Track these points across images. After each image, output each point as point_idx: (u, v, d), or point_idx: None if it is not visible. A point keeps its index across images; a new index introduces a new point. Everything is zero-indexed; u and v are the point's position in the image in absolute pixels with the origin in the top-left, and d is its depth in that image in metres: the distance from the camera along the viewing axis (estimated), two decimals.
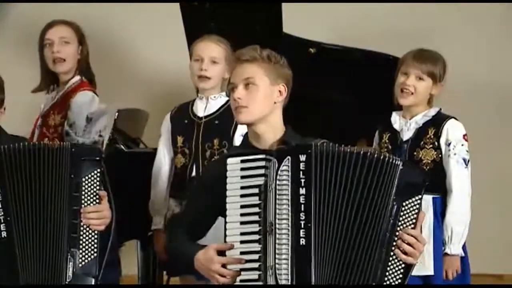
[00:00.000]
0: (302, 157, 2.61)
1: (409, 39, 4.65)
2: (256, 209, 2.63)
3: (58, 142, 2.93)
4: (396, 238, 2.62)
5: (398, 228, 2.62)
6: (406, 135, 3.48)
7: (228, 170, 2.67)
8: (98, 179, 2.84)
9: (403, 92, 3.46)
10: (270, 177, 2.62)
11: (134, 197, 3.70)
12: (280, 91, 2.87)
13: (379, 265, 2.60)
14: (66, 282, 2.77)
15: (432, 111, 3.49)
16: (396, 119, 3.53)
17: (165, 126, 3.67)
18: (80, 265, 2.80)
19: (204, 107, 3.60)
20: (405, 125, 3.49)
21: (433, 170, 3.39)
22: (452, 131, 3.43)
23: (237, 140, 3.48)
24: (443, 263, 3.40)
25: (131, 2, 5.17)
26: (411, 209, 2.64)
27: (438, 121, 3.45)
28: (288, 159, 2.61)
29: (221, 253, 2.68)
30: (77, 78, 3.75)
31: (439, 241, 3.38)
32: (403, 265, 2.63)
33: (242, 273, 2.62)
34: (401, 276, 2.63)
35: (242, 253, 2.63)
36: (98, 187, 2.84)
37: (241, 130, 3.49)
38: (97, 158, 2.86)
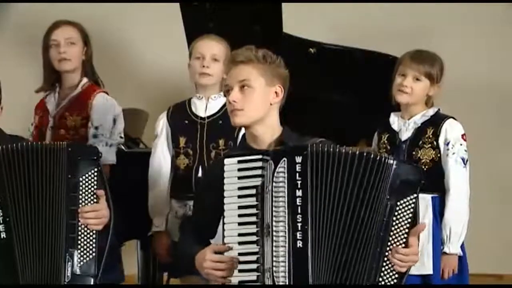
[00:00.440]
0: (298, 159, 2.60)
1: (409, 39, 4.66)
2: (254, 210, 2.63)
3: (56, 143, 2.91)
4: (391, 239, 2.61)
5: (393, 228, 2.62)
6: (405, 135, 3.48)
7: (225, 171, 2.67)
8: (95, 178, 2.84)
9: (400, 91, 3.46)
10: (267, 179, 2.61)
11: (134, 197, 3.70)
12: (276, 92, 2.85)
13: (375, 265, 2.60)
14: (65, 282, 2.77)
15: (431, 111, 3.49)
16: (394, 120, 3.54)
17: (163, 126, 3.65)
18: (79, 265, 2.79)
19: (205, 107, 3.60)
20: (404, 125, 3.49)
21: (431, 169, 3.40)
22: (451, 130, 3.43)
23: None
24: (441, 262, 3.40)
25: (131, 2, 5.17)
26: (406, 208, 2.63)
27: (436, 121, 3.46)
28: (284, 160, 2.60)
29: (219, 254, 2.68)
30: (85, 79, 3.76)
31: (438, 241, 3.39)
32: None
33: (240, 274, 2.62)
34: (397, 275, 2.62)
35: (240, 254, 2.63)
36: (95, 187, 2.83)
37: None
38: (94, 158, 2.85)
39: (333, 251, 2.59)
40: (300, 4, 5.04)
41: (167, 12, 4.74)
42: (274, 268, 2.56)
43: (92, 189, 2.83)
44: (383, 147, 3.52)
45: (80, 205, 2.81)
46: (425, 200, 3.37)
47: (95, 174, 2.84)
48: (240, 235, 2.64)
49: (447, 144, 3.42)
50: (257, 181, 2.63)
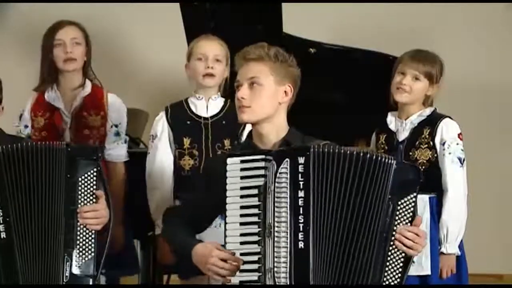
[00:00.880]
0: (301, 159, 2.60)
1: (409, 39, 4.66)
2: (256, 210, 2.62)
3: (53, 143, 2.91)
4: (393, 238, 2.61)
5: (395, 227, 2.62)
6: (402, 135, 3.48)
7: (228, 170, 2.66)
8: (94, 178, 2.83)
9: (399, 90, 3.46)
10: (269, 179, 2.61)
11: (134, 197, 3.70)
12: (285, 91, 2.84)
13: (377, 266, 2.60)
14: (64, 282, 2.77)
15: (427, 111, 3.48)
16: (391, 120, 3.53)
17: (163, 126, 3.62)
18: (77, 265, 2.79)
19: (206, 108, 3.60)
20: (401, 126, 3.49)
21: (429, 169, 3.39)
22: (447, 130, 3.43)
23: None
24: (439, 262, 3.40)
25: (131, 2, 5.17)
26: (407, 207, 2.64)
27: (433, 121, 3.45)
28: (287, 161, 2.59)
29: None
30: (88, 80, 3.77)
31: (436, 241, 3.39)
32: (401, 264, 2.63)
33: (242, 274, 2.62)
34: (399, 275, 2.62)
35: (241, 254, 2.63)
36: (95, 187, 2.83)
37: (249, 129, 3.48)
38: (94, 158, 2.85)
39: (335, 252, 2.59)
40: (300, 4, 5.05)
41: (167, 12, 4.74)
42: (275, 269, 2.56)
43: (91, 189, 2.83)
44: (381, 148, 3.52)
45: (79, 205, 2.81)
46: (423, 201, 3.37)
47: (95, 174, 2.84)
48: (242, 235, 2.63)
49: (443, 144, 3.41)
50: (260, 181, 2.63)
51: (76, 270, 2.79)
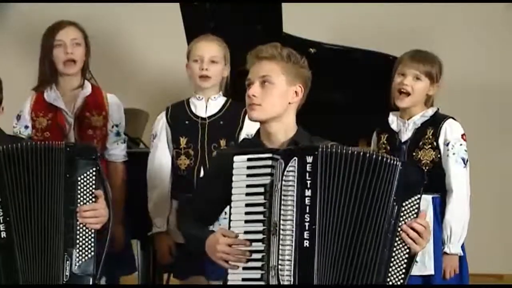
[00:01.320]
0: (309, 159, 2.60)
1: (409, 39, 4.66)
2: (261, 208, 2.63)
3: (53, 142, 2.91)
4: (397, 238, 2.62)
5: (399, 228, 2.62)
6: (405, 135, 3.47)
7: (234, 168, 2.66)
8: (94, 178, 2.84)
9: (400, 93, 3.45)
10: (276, 177, 2.61)
11: (134, 197, 3.70)
12: (296, 91, 2.85)
13: (381, 265, 2.61)
14: (64, 282, 2.77)
15: (430, 111, 3.48)
16: (393, 120, 3.53)
17: (162, 127, 3.63)
18: (77, 264, 2.79)
19: (205, 108, 3.60)
20: (403, 126, 3.48)
21: (432, 170, 3.39)
22: (451, 131, 3.42)
23: None
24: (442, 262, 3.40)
25: (131, 2, 5.17)
26: (411, 208, 2.64)
27: (436, 121, 3.45)
28: (295, 160, 2.60)
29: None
30: (87, 81, 3.77)
31: (439, 241, 3.39)
32: (405, 264, 2.63)
33: (245, 271, 2.62)
34: (403, 275, 2.63)
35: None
36: (94, 186, 2.83)
37: (246, 130, 3.49)
38: (93, 157, 2.85)
39: (340, 251, 2.59)
40: (300, 4, 5.05)
41: (167, 12, 4.74)
42: (279, 267, 2.56)
43: (91, 188, 2.83)
44: (382, 148, 3.52)
45: (79, 205, 2.82)
46: (426, 201, 3.37)
47: (94, 173, 2.84)
48: (246, 232, 2.64)
49: (447, 144, 3.41)
50: (266, 180, 2.63)
51: (76, 270, 2.79)
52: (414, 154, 3.44)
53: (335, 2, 5.15)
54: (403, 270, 2.63)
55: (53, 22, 3.77)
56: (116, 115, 3.76)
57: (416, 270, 3.34)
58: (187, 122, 3.60)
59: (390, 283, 2.61)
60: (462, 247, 3.44)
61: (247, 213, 2.64)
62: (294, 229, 2.57)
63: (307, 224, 2.57)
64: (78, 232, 2.81)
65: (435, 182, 3.37)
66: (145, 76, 5.28)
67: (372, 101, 3.91)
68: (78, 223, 2.81)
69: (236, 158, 2.67)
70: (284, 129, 2.85)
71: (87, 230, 2.82)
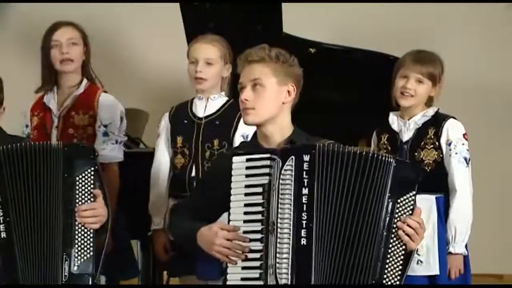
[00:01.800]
0: (306, 157, 2.61)
1: (409, 39, 4.66)
2: (259, 208, 2.63)
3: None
4: (393, 235, 2.63)
5: (394, 225, 2.63)
6: (406, 135, 3.47)
7: (233, 169, 2.67)
8: (92, 177, 2.84)
9: (403, 94, 3.45)
10: (274, 176, 2.62)
11: (134, 197, 3.70)
12: (288, 91, 2.85)
13: (378, 262, 2.61)
14: (63, 282, 2.77)
15: (431, 111, 3.48)
16: (394, 120, 3.52)
17: (164, 126, 3.66)
18: (76, 264, 2.79)
19: (204, 108, 3.60)
20: (404, 126, 3.48)
21: (434, 170, 3.39)
22: (452, 130, 3.42)
23: (237, 141, 3.48)
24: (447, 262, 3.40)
25: (131, 2, 5.17)
26: (407, 205, 2.65)
27: (437, 121, 3.45)
28: (292, 159, 2.61)
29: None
30: (85, 80, 3.77)
31: (443, 241, 3.38)
32: (401, 261, 2.64)
33: (243, 271, 2.63)
34: (400, 272, 2.63)
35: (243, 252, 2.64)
36: (92, 186, 2.84)
37: (241, 131, 3.49)
38: (91, 157, 2.85)
39: (337, 249, 2.60)
40: (300, 4, 5.05)
41: (167, 12, 4.74)
42: (277, 265, 2.57)
43: (89, 188, 2.84)
44: (383, 148, 3.52)
45: (77, 204, 2.82)
46: (429, 201, 3.37)
47: (92, 173, 2.84)
48: (245, 232, 2.64)
49: (449, 144, 3.41)
50: (265, 180, 2.64)
51: (75, 269, 2.79)
52: (416, 154, 3.43)
53: (335, 2, 5.15)
54: (400, 267, 2.63)
55: (53, 22, 3.78)
56: (105, 115, 3.70)
57: (421, 270, 3.35)
58: (185, 121, 3.61)
59: (387, 279, 2.62)
60: (466, 247, 3.44)
61: (246, 213, 2.65)
62: (291, 228, 2.58)
63: (304, 222, 2.58)
64: (76, 232, 2.81)
65: (438, 182, 3.38)
66: (145, 76, 5.28)
67: (372, 101, 3.91)
68: (76, 223, 2.81)
69: (235, 158, 2.68)
70: (280, 130, 2.86)
71: (86, 230, 2.82)
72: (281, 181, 2.60)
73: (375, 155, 2.63)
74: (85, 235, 2.81)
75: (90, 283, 2.80)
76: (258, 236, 2.62)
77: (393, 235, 2.63)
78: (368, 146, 3.77)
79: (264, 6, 4.25)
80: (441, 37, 5.00)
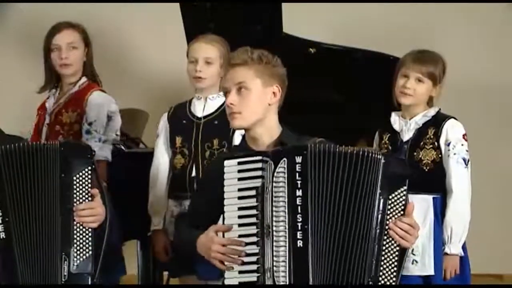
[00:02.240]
0: (298, 159, 2.61)
1: (409, 39, 4.66)
2: (254, 211, 2.63)
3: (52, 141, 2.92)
4: (386, 232, 2.63)
5: (387, 222, 2.63)
6: (406, 135, 3.47)
7: (225, 172, 2.66)
8: (89, 177, 2.83)
9: (403, 93, 3.45)
10: (267, 179, 2.61)
11: (134, 197, 3.70)
12: (274, 92, 2.84)
13: (372, 260, 2.61)
14: (62, 281, 2.77)
15: (432, 111, 3.48)
16: (395, 119, 3.52)
17: (163, 126, 3.67)
18: (75, 263, 2.79)
19: (203, 107, 3.61)
20: (405, 126, 3.48)
21: (433, 170, 3.39)
22: (452, 131, 3.42)
23: (237, 140, 3.48)
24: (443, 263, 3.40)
25: (131, 2, 5.17)
26: (398, 201, 2.65)
27: (437, 121, 3.45)
28: (284, 160, 2.60)
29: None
30: (84, 79, 3.79)
31: (439, 241, 3.38)
32: (396, 258, 2.64)
33: (240, 275, 2.63)
34: (395, 269, 2.63)
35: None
36: (90, 185, 2.83)
37: (240, 130, 3.49)
38: (88, 156, 2.85)
39: (333, 249, 2.60)
40: (300, 4, 5.05)
41: (166, 12, 4.74)
42: (274, 268, 2.56)
43: (87, 187, 2.83)
44: (384, 147, 3.51)
45: (75, 204, 2.81)
46: (427, 201, 3.37)
47: (89, 172, 2.84)
48: (240, 236, 2.63)
49: (448, 144, 3.41)
50: (257, 182, 2.63)
51: (74, 269, 2.78)
52: (415, 154, 3.43)
53: (335, 2, 5.15)
54: (395, 263, 2.63)
55: (53, 22, 3.79)
56: (91, 113, 3.71)
57: (416, 270, 3.35)
58: (184, 121, 3.62)
59: (383, 276, 2.62)
60: (465, 247, 3.44)
61: (240, 217, 2.64)
62: (287, 230, 2.57)
63: (299, 224, 2.58)
64: (75, 231, 2.80)
65: (436, 182, 3.38)
66: (145, 76, 5.28)
67: (372, 101, 3.91)
68: (75, 222, 2.80)
69: (226, 162, 2.67)
70: (269, 131, 2.85)
71: (84, 229, 2.81)
72: (274, 183, 2.59)
73: (364, 153, 2.63)
74: (84, 234, 2.81)
75: (89, 282, 2.79)
76: (254, 239, 2.62)
77: (386, 232, 2.63)
78: (369, 146, 3.77)
79: (264, 6, 4.25)
80: (441, 37, 5.00)
